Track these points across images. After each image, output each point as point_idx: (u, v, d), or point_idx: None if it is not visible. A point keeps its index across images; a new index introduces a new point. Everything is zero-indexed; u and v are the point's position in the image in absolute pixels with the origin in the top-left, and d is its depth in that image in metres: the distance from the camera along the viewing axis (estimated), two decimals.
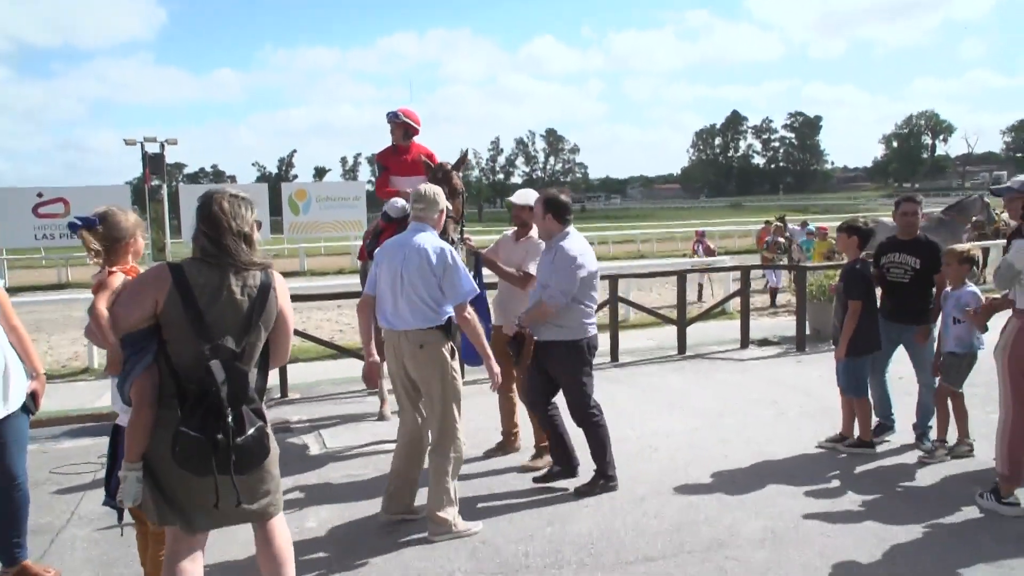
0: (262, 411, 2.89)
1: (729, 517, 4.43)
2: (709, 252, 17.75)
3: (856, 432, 5.50)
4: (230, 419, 2.73)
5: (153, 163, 21.87)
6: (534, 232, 5.51)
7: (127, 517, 3.36)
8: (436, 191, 4.36)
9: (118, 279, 3.12)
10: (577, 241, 4.79)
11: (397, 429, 4.50)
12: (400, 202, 6.20)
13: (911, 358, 5.60)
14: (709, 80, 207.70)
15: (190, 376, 2.77)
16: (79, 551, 4.27)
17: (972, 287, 5.30)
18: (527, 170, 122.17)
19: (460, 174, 5.57)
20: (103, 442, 6.19)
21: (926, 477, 4.98)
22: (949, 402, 5.31)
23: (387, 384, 6.23)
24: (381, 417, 6.58)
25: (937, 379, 5.36)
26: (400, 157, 6.50)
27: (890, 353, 5.66)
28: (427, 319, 4.12)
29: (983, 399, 5.73)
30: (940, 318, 5.38)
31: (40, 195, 19.60)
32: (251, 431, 2.79)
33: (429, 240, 4.20)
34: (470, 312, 4.22)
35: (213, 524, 2.96)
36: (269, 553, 3.04)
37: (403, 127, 6.48)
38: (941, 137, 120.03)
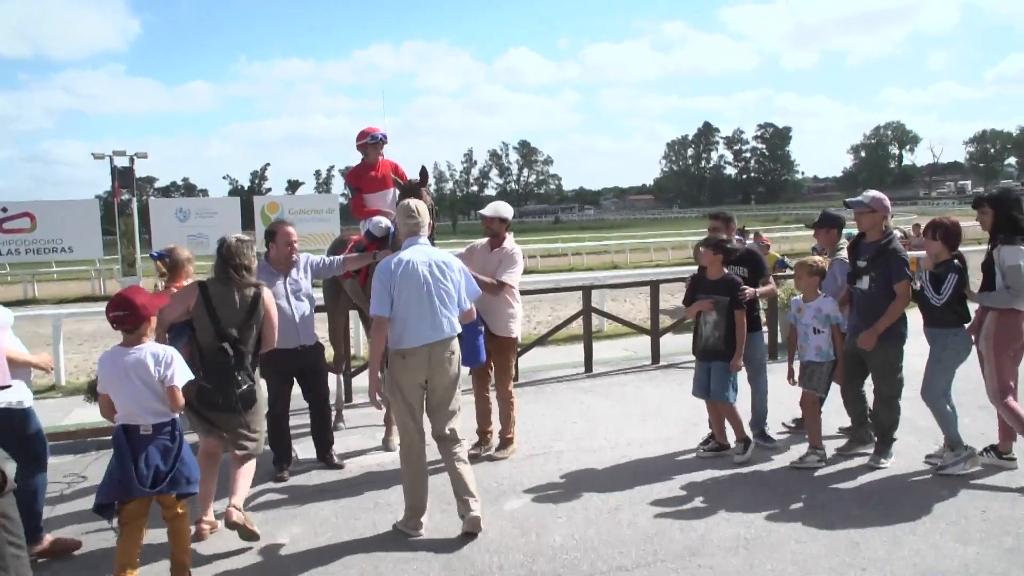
0: (252, 375, 4.52)
1: (702, 525, 4.46)
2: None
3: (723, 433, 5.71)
4: (238, 378, 4.38)
5: (123, 177, 21.51)
6: (507, 242, 5.55)
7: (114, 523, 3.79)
8: (422, 204, 4.70)
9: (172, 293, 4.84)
10: None
11: (403, 450, 4.55)
12: (384, 221, 6.16)
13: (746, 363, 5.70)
14: (683, 91, 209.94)
15: (208, 351, 4.44)
16: (43, 571, 4.16)
17: (828, 297, 5.52)
18: (501, 182, 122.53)
19: (427, 188, 5.60)
20: (71, 460, 6.16)
21: (897, 485, 5.05)
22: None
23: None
24: (387, 447, 6.10)
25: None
26: (368, 174, 6.52)
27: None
28: (457, 326, 4.53)
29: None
30: (796, 328, 5.55)
31: (4, 209, 19.14)
32: (245, 386, 4.43)
33: (443, 252, 4.64)
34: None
35: (225, 445, 4.56)
36: (239, 469, 4.50)
37: (382, 145, 6.53)
38: (908, 147, 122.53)
